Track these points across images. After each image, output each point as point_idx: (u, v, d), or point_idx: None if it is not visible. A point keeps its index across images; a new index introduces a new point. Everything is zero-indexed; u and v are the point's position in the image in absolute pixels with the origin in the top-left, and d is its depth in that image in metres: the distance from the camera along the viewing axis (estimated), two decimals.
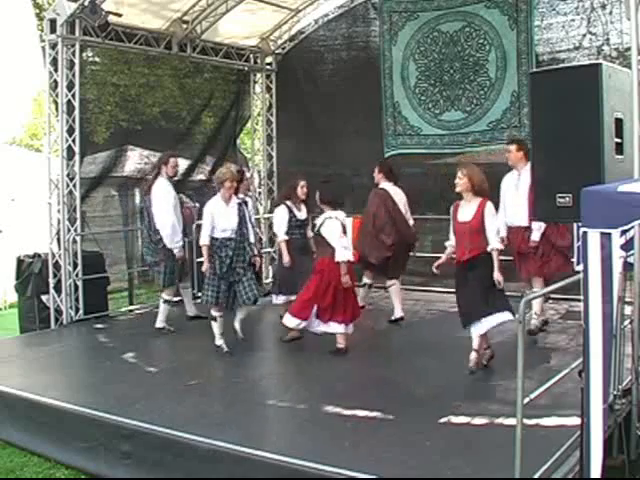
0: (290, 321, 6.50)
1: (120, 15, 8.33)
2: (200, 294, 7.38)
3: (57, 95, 8.08)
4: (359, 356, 6.62)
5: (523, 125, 8.58)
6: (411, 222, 7.73)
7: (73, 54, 8.13)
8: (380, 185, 7.65)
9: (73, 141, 8.17)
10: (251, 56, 10.68)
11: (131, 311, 8.94)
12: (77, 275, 8.18)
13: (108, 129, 9.06)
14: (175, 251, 7.36)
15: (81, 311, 8.17)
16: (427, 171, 9.50)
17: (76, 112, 8.15)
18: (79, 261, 8.20)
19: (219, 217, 6.42)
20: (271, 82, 10.97)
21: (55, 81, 8.06)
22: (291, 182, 7.35)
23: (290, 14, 10.28)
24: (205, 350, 6.85)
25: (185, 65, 9.84)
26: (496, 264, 5.66)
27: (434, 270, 5.98)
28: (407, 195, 7.72)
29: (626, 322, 4.53)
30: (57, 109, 8.13)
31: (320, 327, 6.42)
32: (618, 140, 4.38)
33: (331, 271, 6.25)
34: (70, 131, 8.16)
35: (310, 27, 10.57)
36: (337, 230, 6.25)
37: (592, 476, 3.40)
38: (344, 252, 6.22)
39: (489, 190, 5.98)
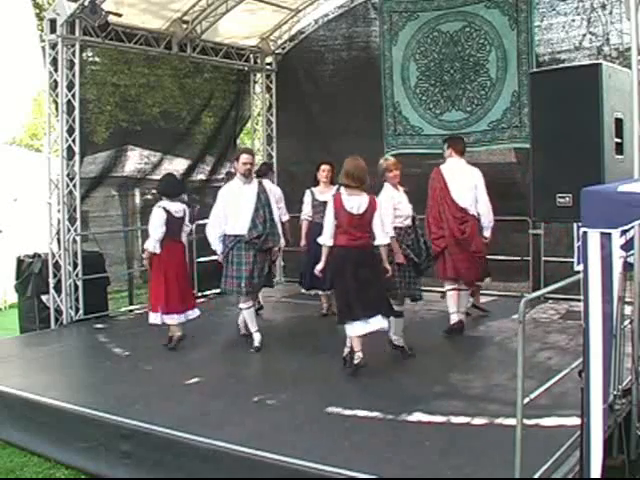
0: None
1: (120, 15, 8.33)
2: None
3: (57, 95, 8.08)
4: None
5: (524, 125, 8.57)
6: (285, 218, 7.99)
7: (73, 54, 8.13)
8: None
9: (73, 141, 8.17)
10: (251, 56, 10.68)
11: (131, 311, 8.94)
12: (77, 275, 8.19)
13: (108, 129, 9.06)
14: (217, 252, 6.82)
15: (81, 311, 8.17)
16: (428, 171, 9.48)
17: (76, 112, 8.15)
18: (79, 261, 8.20)
19: (400, 205, 6.18)
20: (271, 82, 10.97)
21: (55, 81, 8.06)
22: None
23: (290, 14, 10.28)
24: (205, 350, 6.85)
25: (185, 65, 9.85)
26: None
27: None
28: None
29: (626, 322, 4.53)
30: (57, 109, 8.13)
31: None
32: (618, 140, 4.38)
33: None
34: (70, 131, 8.16)
35: (310, 27, 10.57)
36: (158, 219, 6.66)
37: (592, 476, 3.40)
38: (148, 241, 6.73)
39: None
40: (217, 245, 6.73)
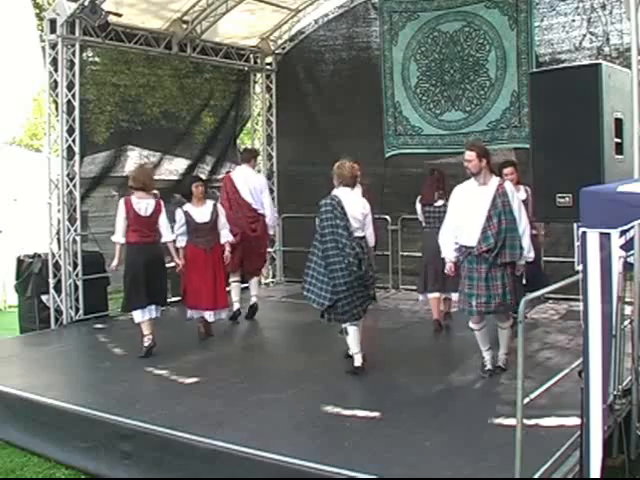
0: None
1: (120, 15, 8.33)
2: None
3: (57, 95, 8.08)
4: None
5: (523, 125, 8.58)
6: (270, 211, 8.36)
7: (73, 54, 8.13)
8: None
9: (73, 141, 8.17)
10: (251, 56, 10.68)
11: None
12: (77, 275, 8.19)
13: (108, 129, 9.07)
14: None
15: (81, 311, 8.17)
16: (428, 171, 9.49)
17: (76, 112, 8.15)
18: (79, 261, 8.20)
19: None
20: (271, 82, 10.96)
21: (55, 81, 8.06)
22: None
23: (290, 14, 10.28)
24: (204, 350, 6.85)
25: (185, 65, 9.85)
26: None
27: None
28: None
29: (626, 322, 4.53)
30: (57, 109, 8.13)
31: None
32: (618, 140, 4.39)
33: None
34: (70, 131, 8.16)
35: (310, 27, 10.57)
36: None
37: (592, 476, 3.40)
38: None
39: None
40: (449, 253, 5.77)
